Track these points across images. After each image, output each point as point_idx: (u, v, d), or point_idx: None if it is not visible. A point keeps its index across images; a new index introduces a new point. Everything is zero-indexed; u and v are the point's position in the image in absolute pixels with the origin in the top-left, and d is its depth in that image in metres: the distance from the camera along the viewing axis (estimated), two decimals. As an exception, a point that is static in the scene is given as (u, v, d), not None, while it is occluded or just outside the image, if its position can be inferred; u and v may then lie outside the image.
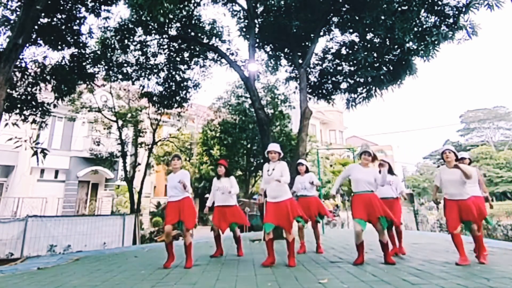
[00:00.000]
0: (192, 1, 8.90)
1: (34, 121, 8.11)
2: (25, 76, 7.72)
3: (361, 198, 4.12)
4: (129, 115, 13.88)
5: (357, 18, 8.34)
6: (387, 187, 4.71)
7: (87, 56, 8.55)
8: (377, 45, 8.39)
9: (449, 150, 4.17)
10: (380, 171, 4.22)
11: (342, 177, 4.48)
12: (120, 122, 13.69)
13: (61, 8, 7.72)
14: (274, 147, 4.42)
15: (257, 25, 9.45)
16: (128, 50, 9.28)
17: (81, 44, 8.31)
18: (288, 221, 4.06)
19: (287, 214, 4.06)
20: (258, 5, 9.34)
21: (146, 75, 10.04)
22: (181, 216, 4.31)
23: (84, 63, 8.53)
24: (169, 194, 4.48)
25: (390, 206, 4.54)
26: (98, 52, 8.73)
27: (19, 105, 7.65)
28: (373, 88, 9.05)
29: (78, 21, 8.09)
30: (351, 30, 9.18)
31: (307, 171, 5.58)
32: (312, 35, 9.22)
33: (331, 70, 9.96)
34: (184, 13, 8.74)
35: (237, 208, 5.13)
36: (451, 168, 4.08)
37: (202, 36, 9.57)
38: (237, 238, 5.21)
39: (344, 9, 8.88)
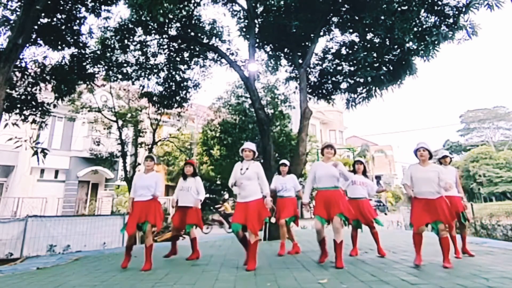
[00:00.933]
0: (192, 1, 8.89)
1: (34, 121, 8.09)
2: (25, 76, 7.71)
3: (322, 194, 4.07)
4: (129, 115, 13.87)
5: (357, 18, 8.34)
6: (360, 188, 4.72)
7: (87, 56, 8.53)
8: (377, 45, 8.38)
9: (424, 147, 4.00)
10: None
11: (311, 180, 4.27)
12: (120, 122, 13.68)
13: (61, 8, 7.71)
14: (249, 145, 4.35)
15: (257, 25, 9.44)
16: (128, 50, 9.27)
17: (81, 44, 8.29)
18: (255, 221, 3.94)
19: (256, 215, 3.96)
20: (258, 5, 9.33)
21: (146, 75, 10.03)
22: (148, 217, 4.30)
23: (84, 63, 8.52)
24: (138, 193, 4.44)
25: (362, 206, 4.61)
26: (98, 52, 8.71)
27: (19, 105, 7.64)
28: (373, 88, 9.04)
29: (78, 21, 8.07)
30: (351, 30, 9.17)
31: (289, 172, 5.55)
32: (312, 35, 9.21)
33: (331, 70, 9.95)
34: (184, 13, 8.73)
35: (197, 210, 5.00)
36: (425, 166, 3.98)
37: (202, 36, 9.56)
38: (192, 240, 5.09)
39: (344, 9, 8.87)
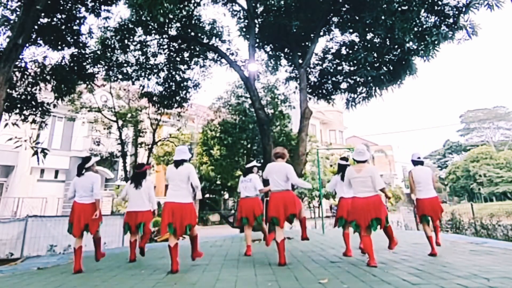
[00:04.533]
0: (192, 1, 8.90)
1: (34, 121, 8.10)
2: (25, 76, 7.71)
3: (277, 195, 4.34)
4: (129, 115, 13.87)
5: (357, 18, 8.34)
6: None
7: (87, 56, 8.54)
8: (377, 45, 8.38)
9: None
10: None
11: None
12: (120, 122, 13.68)
13: (61, 8, 7.72)
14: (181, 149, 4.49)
15: (257, 25, 9.45)
16: (128, 50, 9.27)
17: (81, 44, 8.30)
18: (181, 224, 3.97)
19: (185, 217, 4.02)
20: (258, 5, 9.34)
21: (146, 75, 10.03)
22: (88, 220, 4.34)
23: (84, 63, 8.53)
24: (80, 194, 4.43)
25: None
26: (98, 52, 8.72)
27: (19, 105, 7.64)
28: (373, 88, 9.05)
29: (78, 21, 8.08)
30: (351, 30, 9.18)
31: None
32: (312, 35, 9.22)
33: (331, 70, 9.95)
34: (184, 13, 8.74)
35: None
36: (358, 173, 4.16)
37: (202, 36, 9.57)
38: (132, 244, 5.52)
39: (344, 9, 8.88)
